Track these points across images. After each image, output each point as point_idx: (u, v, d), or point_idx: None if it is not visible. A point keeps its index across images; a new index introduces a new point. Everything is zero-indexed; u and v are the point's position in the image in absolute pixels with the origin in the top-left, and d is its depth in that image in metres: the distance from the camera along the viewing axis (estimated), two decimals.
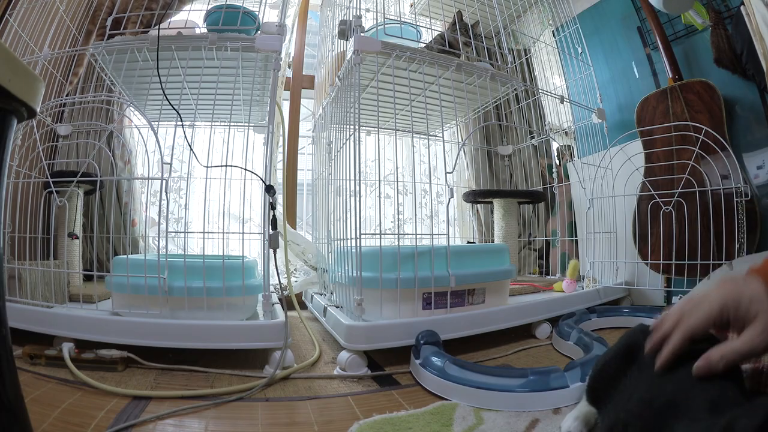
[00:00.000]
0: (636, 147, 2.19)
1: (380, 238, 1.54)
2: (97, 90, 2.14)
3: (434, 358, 1.39)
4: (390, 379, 1.48)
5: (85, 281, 2.05)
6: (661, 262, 1.73)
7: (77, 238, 2.05)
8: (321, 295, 2.20)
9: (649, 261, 1.84)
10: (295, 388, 1.42)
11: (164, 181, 1.53)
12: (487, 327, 1.68)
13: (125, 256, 1.61)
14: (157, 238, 1.56)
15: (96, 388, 1.27)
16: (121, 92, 2.11)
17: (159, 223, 1.58)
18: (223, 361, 1.57)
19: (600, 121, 2.35)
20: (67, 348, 1.41)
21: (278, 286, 1.65)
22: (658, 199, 1.76)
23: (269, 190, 1.55)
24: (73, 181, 1.68)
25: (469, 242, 2.65)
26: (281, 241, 1.75)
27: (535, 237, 2.67)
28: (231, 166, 1.62)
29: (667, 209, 1.70)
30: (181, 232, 1.74)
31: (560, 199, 2.54)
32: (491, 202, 2.50)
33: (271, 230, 1.53)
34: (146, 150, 2.47)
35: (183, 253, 1.63)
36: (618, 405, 0.84)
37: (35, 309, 1.53)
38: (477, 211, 2.74)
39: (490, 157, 2.72)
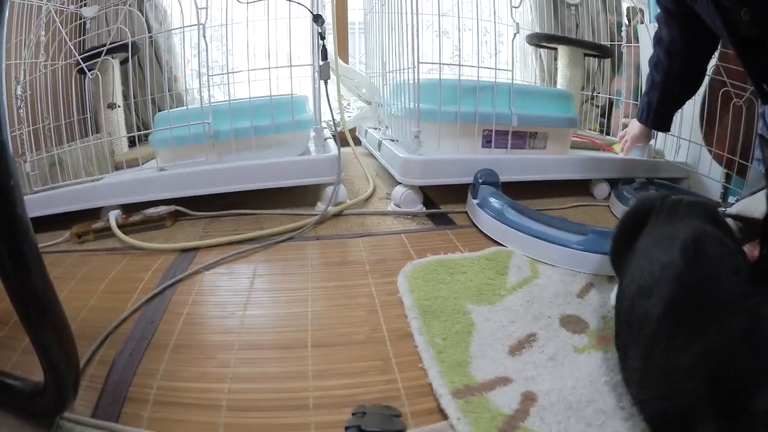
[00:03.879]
0: None
1: (440, 66, 1.43)
2: None
3: (492, 199, 1.32)
4: (445, 218, 1.43)
5: (130, 148, 2.00)
6: (725, 154, 1.57)
7: (118, 107, 1.98)
8: (376, 129, 2.12)
9: (713, 148, 1.66)
10: (348, 224, 1.38)
11: (201, 27, 1.42)
12: (547, 174, 1.60)
13: (167, 111, 1.54)
14: (200, 90, 1.47)
15: (143, 249, 1.24)
16: None
17: (200, 72, 1.48)
18: (273, 202, 1.53)
19: None
20: (113, 216, 1.35)
21: (331, 122, 1.57)
22: (729, 88, 1.57)
23: (317, 19, 1.43)
24: (102, 52, 1.58)
25: None
26: (333, 76, 1.65)
27: (599, 93, 2.51)
28: None
29: (738, 102, 1.51)
30: (224, 74, 1.64)
31: (628, 60, 2.36)
32: (556, 49, 2.34)
33: (320, 61, 1.42)
34: (181, 5, 2.34)
35: (228, 98, 1.54)
36: (622, 288, 0.77)
37: (79, 187, 1.46)
38: (540, 56, 2.58)
39: (555, 3, 2.52)
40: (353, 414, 0.65)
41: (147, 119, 2.34)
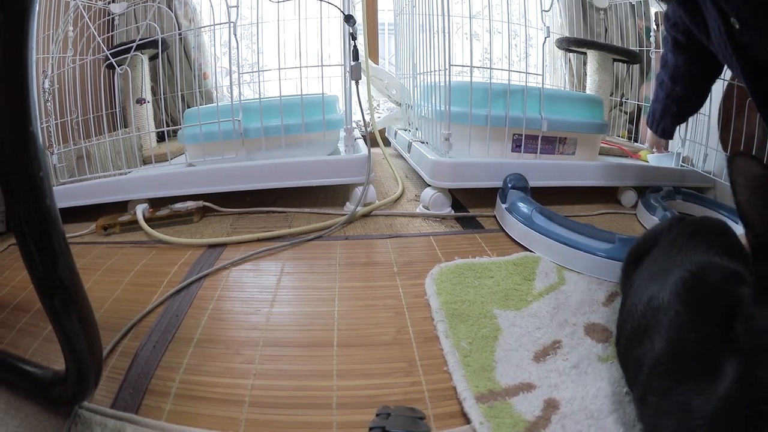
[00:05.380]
0: None
1: (471, 69, 1.42)
2: None
3: (521, 204, 1.31)
4: (474, 221, 1.42)
5: (159, 143, 2.02)
6: None
7: (147, 102, 1.99)
8: (405, 131, 2.12)
9: (728, 153, 1.61)
10: (376, 225, 1.38)
11: (232, 25, 1.41)
12: (576, 180, 1.57)
13: (196, 108, 1.54)
14: (230, 87, 1.48)
15: (170, 244, 1.25)
16: None
17: (230, 70, 1.48)
18: (302, 200, 1.53)
19: None
20: (140, 209, 1.37)
21: (361, 122, 1.57)
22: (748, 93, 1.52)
23: (349, 19, 1.43)
24: (131, 48, 1.59)
25: None
26: (364, 77, 1.64)
27: (627, 99, 2.47)
28: None
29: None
30: (255, 72, 1.64)
31: (656, 66, 2.32)
32: (585, 53, 2.30)
33: (352, 61, 1.42)
34: (211, 2, 2.35)
35: (258, 96, 1.54)
36: (621, 320, 0.75)
37: (106, 180, 1.47)
38: (569, 60, 2.55)
39: (584, 7, 2.49)
40: (377, 415, 0.64)
41: (175, 115, 2.36)
